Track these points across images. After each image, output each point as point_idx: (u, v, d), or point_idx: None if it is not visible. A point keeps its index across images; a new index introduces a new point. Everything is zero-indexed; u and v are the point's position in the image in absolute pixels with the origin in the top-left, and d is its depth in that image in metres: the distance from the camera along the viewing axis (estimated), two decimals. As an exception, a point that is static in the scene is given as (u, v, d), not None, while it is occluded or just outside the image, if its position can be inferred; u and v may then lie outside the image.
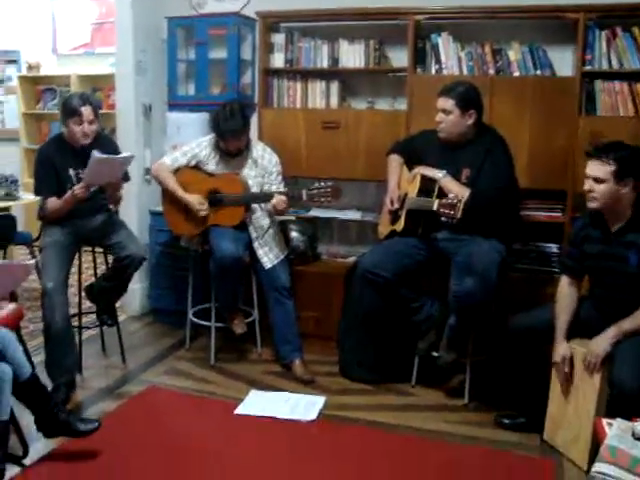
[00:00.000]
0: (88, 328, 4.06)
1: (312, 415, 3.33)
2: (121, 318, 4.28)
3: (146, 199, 4.68)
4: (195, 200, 3.81)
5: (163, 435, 3.14)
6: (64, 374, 3.40)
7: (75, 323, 3.77)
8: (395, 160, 3.74)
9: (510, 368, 3.24)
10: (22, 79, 6.78)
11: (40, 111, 6.81)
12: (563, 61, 3.98)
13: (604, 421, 2.45)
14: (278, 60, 4.45)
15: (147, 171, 4.64)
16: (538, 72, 3.95)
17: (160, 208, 4.15)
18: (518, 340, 3.12)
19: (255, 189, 3.84)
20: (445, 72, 4.07)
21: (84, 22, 6.64)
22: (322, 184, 3.71)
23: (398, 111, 4.24)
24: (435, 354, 3.54)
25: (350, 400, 3.53)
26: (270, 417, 3.30)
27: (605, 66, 3.80)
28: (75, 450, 2.89)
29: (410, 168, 3.64)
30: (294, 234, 4.34)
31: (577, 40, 3.79)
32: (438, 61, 4.09)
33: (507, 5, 3.86)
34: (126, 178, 3.77)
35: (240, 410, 3.38)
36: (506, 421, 3.26)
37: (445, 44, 4.07)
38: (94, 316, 3.99)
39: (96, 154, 3.30)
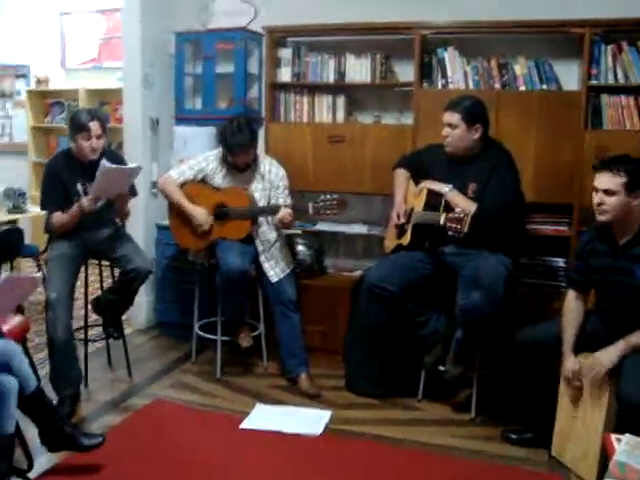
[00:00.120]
0: (94, 341, 4.07)
1: (318, 429, 3.32)
2: (127, 331, 4.28)
3: (153, 213, 4.69)
4: (200, 214, 3.82)
5: (168, 449, 3.13)
6: (69, 387, 3.40)
7: (81, 336, 3.78)
8: (401, 174, 3.75)
9: (517, 382, 3.22)
10: (31, 93, 6.84)
11: (48, 125, 6.86)
12: (569, 75, 3.99)
13: (613, 436, 2.42)
14: (285, 74, 4.47)
15: (154, 185, 4.65)
16: (544, 86, 3.96)
17: (167, 222, 4.16)
18: (525, 354, 3.10)
19: (262, 203, 3.85)
20: (451, 86, 4.08)
21: (92, 37, 6.70)
22: (328, 196, 3.72)
23: (404, 125, 4.26)
24: (442, 368, 3.53)
25: (356, 414, 3.52)
26: (276, 431, 3.29)
27: (611, 80, 3.81)
28: (80, 464, 2.88)
29: (416, 182, 3.64)
30: (300, 248, 4.35)
31: (583, 55, 3.80)
32: (444, 75, 4.11)
33: (513, 20, 3.87)
34: (133, 193, 3.79)
35: (246, 424, 3.37)
36: (513, 436, 3.24)
37: (451, 58, 4.08)
38: (100, 329, 4.00)
39: (105, 164, 3.31)
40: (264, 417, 3.45)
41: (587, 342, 2.96)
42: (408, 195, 3.67)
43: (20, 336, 3.10)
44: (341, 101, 4.41)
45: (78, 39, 6.77)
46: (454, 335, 3.42)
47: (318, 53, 4.41)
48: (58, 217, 3.52)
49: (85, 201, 3.40)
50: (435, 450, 3.18)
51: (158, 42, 4.70)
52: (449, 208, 3.34)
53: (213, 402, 3.64)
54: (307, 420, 3.41)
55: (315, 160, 4.34)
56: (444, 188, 3.42)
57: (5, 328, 2.99)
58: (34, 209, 4.88)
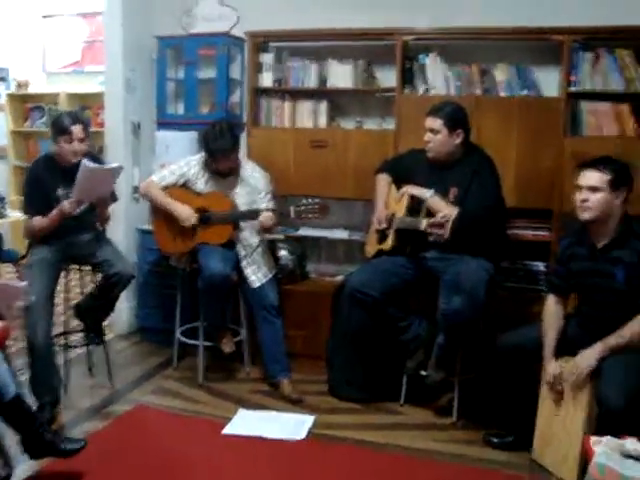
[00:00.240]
0: (75, 347, 4.03)
1: (301, 434, 3.32)
2: (108, 337, 4.26)
3: (134, 217, 4.67)
4: (185, 210, 3.80)
5: (150, 455, 3.11)
6: (48, 393, 3.37)
7: (62, 342, 3.74)
8: (383, 179, 3.76)
9: (498, 386, 3.24)
10: (11, 97, 6.79)
11: (28, 129, 6.81)
12: (549, 82, 4.02)
13: (592, 439, 2.45)
14: (267, 79, 4.47)
15: (135, 189, 4.63)
16: (524, 92, 3.99)
17: (148, 226, 4.15)
18: (506, 358, 3.12)
19: (245, 208, 3.84)
20: (433, 92, 4.10)
21: (74, 41, 6.66)
22: (310, 200, 3.73)
23: (386, 131, 4.27)
24: (424, 373, 3.54)
25: (339, 419, 3.52)
26: (258, 436, 3.28)
27: (590, 87, 3.85)
28: (61, 470, 2.86)
29: (398, 187, 3.66)
30: (282, 253, 4.35)
31: (562, 61, 3.84)
32: (426, 81, 4.13)
33: (494, 27, 3.91)
34: (114, 198, 3.77)
35: (228, 430, 3.36)
36: (495, 440, 3.26)
37: (433, 64, 4.10)
38: (81, 335, 3.97)
39: (86, 163, 3.29)
40: (246, 422, 3.44)
41: (568, 346, 2.99)
42: (390, 200, 3.69)
43: (0, 342, 3.07)
44: (323, 106, 4.42)
45: (59, 43, 6.73)
46: (436, 340, 3.43)
47: (300, 58, 4.41)
48: (38, 221, 3.49)
49: (66, 204, 3.38)
50: (417, 454, 3.19)
51: (140, 46, 4.69)
52: (430, 213, 3.36)
53: (195, 408, 3.63)
54: (290, 425, 3.41)
55: (297, 165, 4.35)
56: (425, 193, 3.43)
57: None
58: (14, 214, 4.84)
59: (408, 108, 4.07)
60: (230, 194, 3.85)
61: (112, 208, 3.82)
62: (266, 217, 3.70)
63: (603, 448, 2.35)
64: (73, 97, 6.41)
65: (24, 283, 2.85)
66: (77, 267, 3.86)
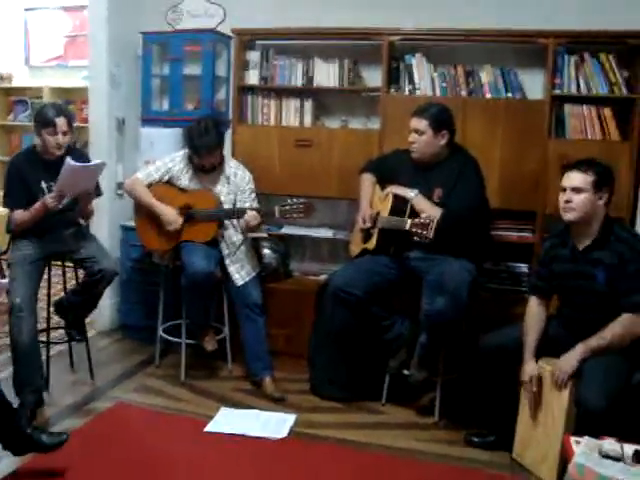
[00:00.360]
0: (56, 343, 4.00)
1: (282, 433, 3.32)
2: (90, 333, 4.24)
3: (117, 213, 4.64)
4: (170, 214, 3.78)
5: (132, 453, 3.10)
6: (31, 391, 3.34)
7: (43, 338, 3.72)
8: (367, 179, 3.77)
9: (480, 387, 3.26)
10: (-7, 90, 6.72)
11: (11, 123, 6.74)
12: (533, 84, 4.06)
13: (572, 439, 2.48)
14: (253, 77, 4.46)
15: (119, 185, 4.61)
16: (509, 95, 4.02)
17: (132, 223, 4.12)
18: (488, 359, 3.14)
19: (227, 206, 3.84)
20: (418, 93, 4.12)
21: (57, 34, 6.60)
22: (295, 200, 3.73)
23: (371, 130, 4.28)
24: (406, 372, 3.55)
25: (321, 418, 3.53)
26: (240, 435, 3.28)
27: (574, 90, 3.89)
28: (41, 468, 2.84)
29: (383, 187, 3.67)
30: (266, 251, 4.34)
31: (547, 64, 3.87)
32: (412, 82, 4.14)
33: (480, 29, 3.93)
34: (98, 192, 3.75)
35: (210, 428, 3.35)
36: (476, 439, 3.28)
37: (419, 65, 4.12)
38: (62, 331, 3.94)
39: (70, 162, 3.27)
40: (228, 420, 3.44)
41: (550, 346, 3.02)
42: (374, 200, 3.70)
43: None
44: (309, 105, 4.42)
45: (43, 36, 6.67)
46: (418, 339, 3.45)
47: (286, 57, 4.41)
48: (20, 215, 3.47)
49: (49, 198, 3.35)
50: (399, 454, 3.20)
51: (125, 42, 4.66)
52: (415, 213, 3.37)
53: (177, 405, 3.62)
54: (271, 423, 3.41)
55: (282, 163, 4.34)
56: (410, 193, 3.45)
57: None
58: (-5, 208, 4.80)
59: (393, 108, 4.09)
60: (213, 190, 3.85)
61: (96, 203, 3.80)
62: (251, 216, 3.69)
63: (582, 448, 2.37)
64: (57, 91, 6.35)
65: (4, 281, 2.82)
66: (60, 263, 3.83)
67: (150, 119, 4.68)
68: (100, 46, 4.54)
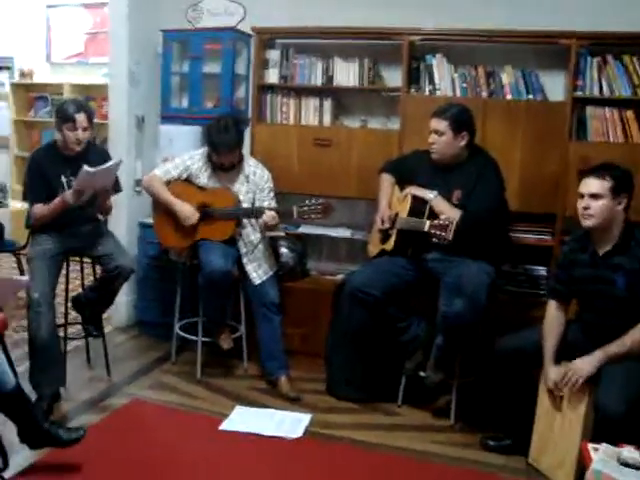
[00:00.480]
0: (73, 339, 4.03)
1: (298, 433, 3.32)
2: (107, 329, 4.25)
3: (136, 210, 4.66)
4: (187, 209, 3.79)
5: (146, 450, 3.11)
6: (49, 385, 3.38)
7: (61, 334, 3.74)
8: (387, 179, 3.75)
9: (497, 389, 3.24)
10: (15, 86, 6.77)
11: (32, 119, 6.79)
12: (555, 86, 4.02)
13: (590, 446, 2.45)
14: (272, 76, 4.45)
15: (138, 182, 4.62)
16: (530, 96, 3.99)
17: (150, 220, 4.14)
18: (505, 362, 3.12)
19: (246, 205, 3.84)
20: (438, 93, 4.10)
21: (78, 31, 6.64)
22: (313, 201, 3.72)
23: (391, 130, 4.26)
24: (422, 374, 3.53)
25: (336, 418, 3.52)
26: (255, 434, 3.28)
27: (596, 92, 3.84)
28: (57, 463, 2.85)
29: (401, 188, 3.65)
30: (283, 250, 4.33)
31: (569, 66, 3.83)
32: (432, 82, 4.12)
33: (501, 29, 3.90)
34: (118, 189, 3.77)
35: (225, 426, 3.36)
36: (492, 443, 3.26)
37: (439, 65, 4.10)
38: (80, 327, 3.96)
39: (85, 168, 3.28)
40: (243, 419, 3.44)
41: (569, 351, 2.98)
42: (393, 200, 3.68)
43: (-1, 333, 3.07)
44: (328, 104, 4.41)
45: (64, 33, 6.71)
46: (435, 341, 3.43)
47: (306, 56, 4.40)
48: (39, 209, 3.49)
49: (68, 194, 3.37)
50: (414, 456, 3.19)
51: (145, 39, 4.67)
52: (433, 215, 3.36)
53: (192, 403, 3.62)
54: (287, 423, 3.41)
55: (300, 163, 4.34)
56: (429, 194, 3.43)
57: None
58: (15, 204, 4.83)
59: (413, 108, 4.07)
60: (231, 189, 3.85)
61: (114, 200, 3.81)
62: (269, 216, 3.69)
63: (600, 455, 2.34)
64: (77, 88, 6.38)
65: (26, 278, 2.85)
66: (78, 259, 3.85)
67: (169, 116, 4.68)
68: (120, 43, 4.56)
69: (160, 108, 4.75)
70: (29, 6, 6.73)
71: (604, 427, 2.64)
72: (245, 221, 3.86)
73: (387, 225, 3.59)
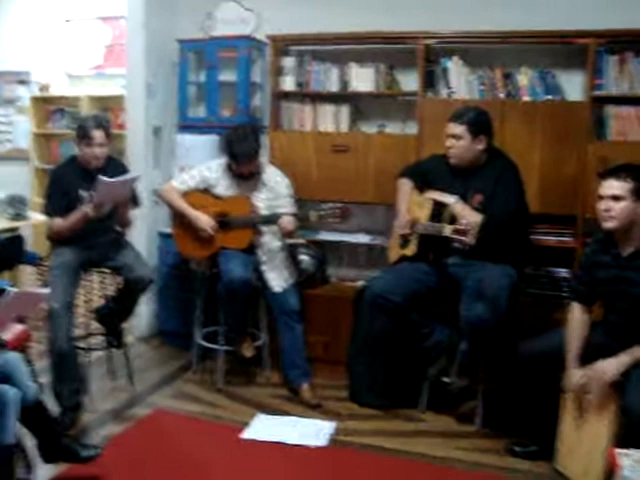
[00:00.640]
0: (95, 350, 4.04)
1: (321, 441, 3.30)
2: (128, 340, 4.27)
3: (155, 221, 4.68)
4: (204, 219, 3.80)
5: (169, 459, 3.11)
6: (70, 396, 3.38)
7: (83, 344, 3.76)
8: (405, 184, 3.73)
9: (522, 395, 3.20)
10: (33, 99, 6.83)
11: (50, 131, 6.85)
12: (573, 86, 3.98)
13: (617, 451, 2.41)
14: (289, 83, 4.46)
15: (156, 192, 4.64)
16: (548, 97, 3.95)
17: (169, 230, 4.15)
18: (529, 366, 3.09)
19: (266, 212, 3.84)
20: (455, 96, 4.08)
21: (96, 44, 6.69)
22: (331, 205, 3.72)
23: (408, 135, 4.25)
24: (446, 380, 3.50)
25: (359, 426, 3.50)
26: (277, 442, 3.27)
27: (615, 91, 3.80)
28: (80, 474, 2.86)
29: (420, 193, 3.63)
30: (303, 257, 4.32)
31: (587, 65, 3.80)
32: (448, 85, 4.10)
33: (517, 30, 3.87)
34: (137, 203, 3.78)
35: (247, 435, 3.35)
36: (518, 449, 3.22)
37: (455, 68, 4.08)
38: (101, 337, 3.98)
39: (102, 178, 3.31)
40: (266, 427, 3.43)
41: (593, 354, 2.94)
42: (412, 205, 3.66)
43: (20, 345, 3.08)
44: (345, 110, 4.40)
45: (81, 46, 6.77)
46: (458, 347, 3.40)
47: (322, 62, 4.40)
48: (58, 223, 3.52)
49: (89, 207, 3.39)
50: (438, 462, 3.16)
51: (162, 50, 4.70)
52: (454, 219, 3.33)
53: (214, 412, 3.62)
54: (309, 431, 3.39)
55: (318, 169, 4.33)
56: (450, 199, 3.40)
57: (8, 337, 2.97)
58: (35, 216, 4.86)
59: (430, 112, 4.05)
60: (251, 197, 3.85)
61: (134, 212, 3.83)
62: (287, 221, 3.69)
63: (630, 462, 2.31)
64: (94, 100, 6.44)
65: (46, 290, 2.87)
66: (98, 270, 3.87)
67: (186, 126, 4.71)
68: (137, 54, 4.60)
69: (177, 117, 4.77)
70: (47, 21, 6.79)
71: (633, 430, 2.60)
72: (264, 229, 3.85)
73: (407, 230, 3.57)
